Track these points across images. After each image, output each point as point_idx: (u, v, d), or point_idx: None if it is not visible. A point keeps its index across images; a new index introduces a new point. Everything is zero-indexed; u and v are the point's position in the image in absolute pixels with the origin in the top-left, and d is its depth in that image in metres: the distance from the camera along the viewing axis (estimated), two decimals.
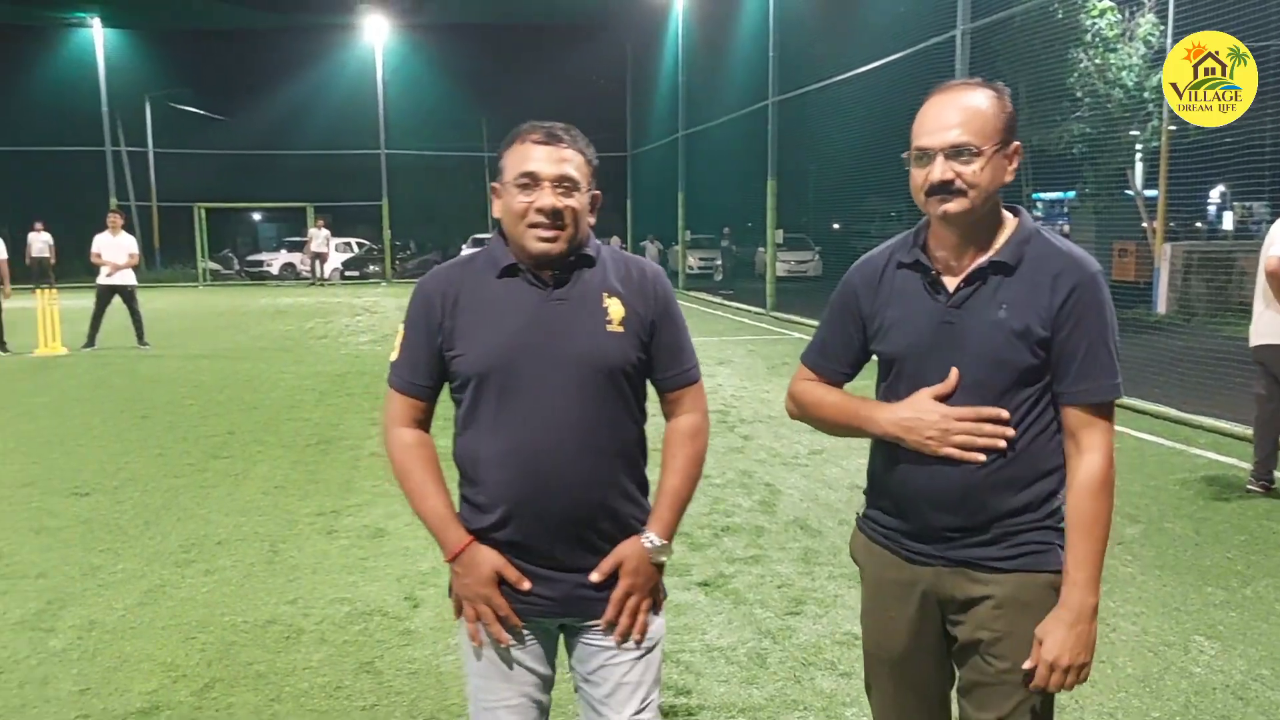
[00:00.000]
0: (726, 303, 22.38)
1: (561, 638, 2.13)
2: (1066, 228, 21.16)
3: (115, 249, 13.79)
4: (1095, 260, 1.92)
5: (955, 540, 1.94)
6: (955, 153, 1.87)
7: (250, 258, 36.13)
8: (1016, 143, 1.93)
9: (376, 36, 32.84)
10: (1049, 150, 16.00)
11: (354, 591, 4.57)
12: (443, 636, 4.04)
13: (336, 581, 4.70)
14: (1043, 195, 24.20)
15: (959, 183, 1.87)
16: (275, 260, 34.65)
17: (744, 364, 12.33)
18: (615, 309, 2.02)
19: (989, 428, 1.87)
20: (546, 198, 1.95)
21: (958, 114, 1.88)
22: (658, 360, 2.10)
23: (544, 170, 1.96)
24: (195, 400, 9.76)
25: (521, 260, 2.02)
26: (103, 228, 14.07)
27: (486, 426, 1.99)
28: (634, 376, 2.06)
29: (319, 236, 30.81)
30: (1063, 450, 1.93)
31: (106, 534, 5.45)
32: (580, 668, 2.10)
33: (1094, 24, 14.30)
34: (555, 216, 1.95)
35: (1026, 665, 1.89)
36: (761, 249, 23.05)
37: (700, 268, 29.86)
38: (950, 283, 1.95)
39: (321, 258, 31.31)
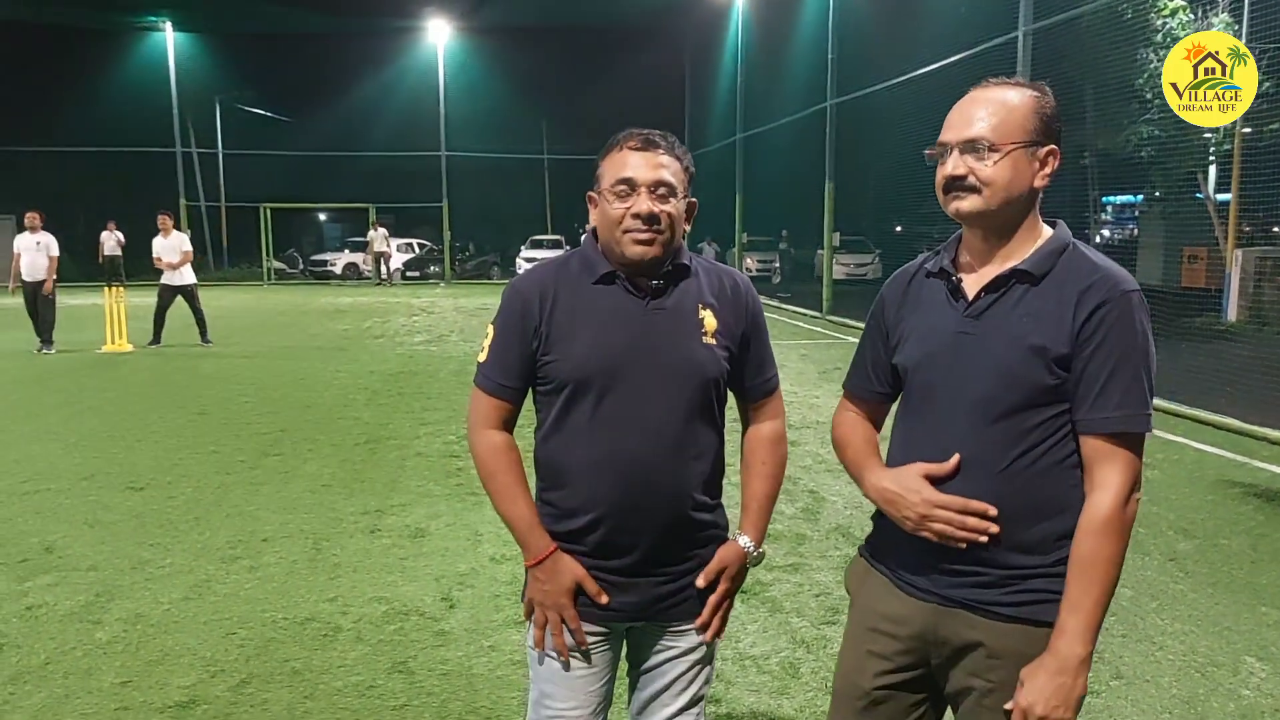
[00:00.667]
0: (783, 306, 22.26)
1: (628, 637, 2.17)
2: (1136, 232, 20.70)
3: (169, 250, 14.14)
4: (1133, 280, 1.76)
5: (955, 577, 1.82)
6: (970, 147, 1.79)
7: (314, 257, 36.81)
8: (1051, 146, 1.81)
9: (438, 39, 33.24)
10: (1116, 153, 15.66)
11: (392, 591, 4.60)
12: (476, 638, 4.06)
13: (376, 580, 4.75)
14: (1112, 199, 23.67)
15: (971, 179, 1.79)
16: (339, 260, 35.25)
17: (795, 368, 12.24)
18: (710, 321, 2.06)
19: (972, 521, 1.77)
20: (643, 203, 1.96)
21: (982, 110, 1.80)
22: (745, 370, 2.14)
23: (641, 175, 1.97)
24: (251, 398, 9.94)
25: (618, 268, 2.03)
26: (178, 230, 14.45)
27: (581, 431, 2.01)
28: (722, 388, 2.10)
29: (378, 236, 31.27)
30: (1083, 488, 1.77)
31: (157, 528, 5.56)
32: (643, 663, 2.14)
33: (1165, 24, 13.93)
34: (652, 221, 1.96)
35: (1006, 706, 1.77)
36: (820, 251, 22.87)
37: (759, 270, 29.70)
38: (972, 291, 1.86)
39: (385, 257, 31.77)
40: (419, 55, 33.76)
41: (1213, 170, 15.44)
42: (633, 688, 2.19)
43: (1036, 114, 1.79)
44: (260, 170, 35.57)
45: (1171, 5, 13.98)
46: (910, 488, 1.82)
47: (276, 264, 34.80)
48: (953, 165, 1.81)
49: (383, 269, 31.79)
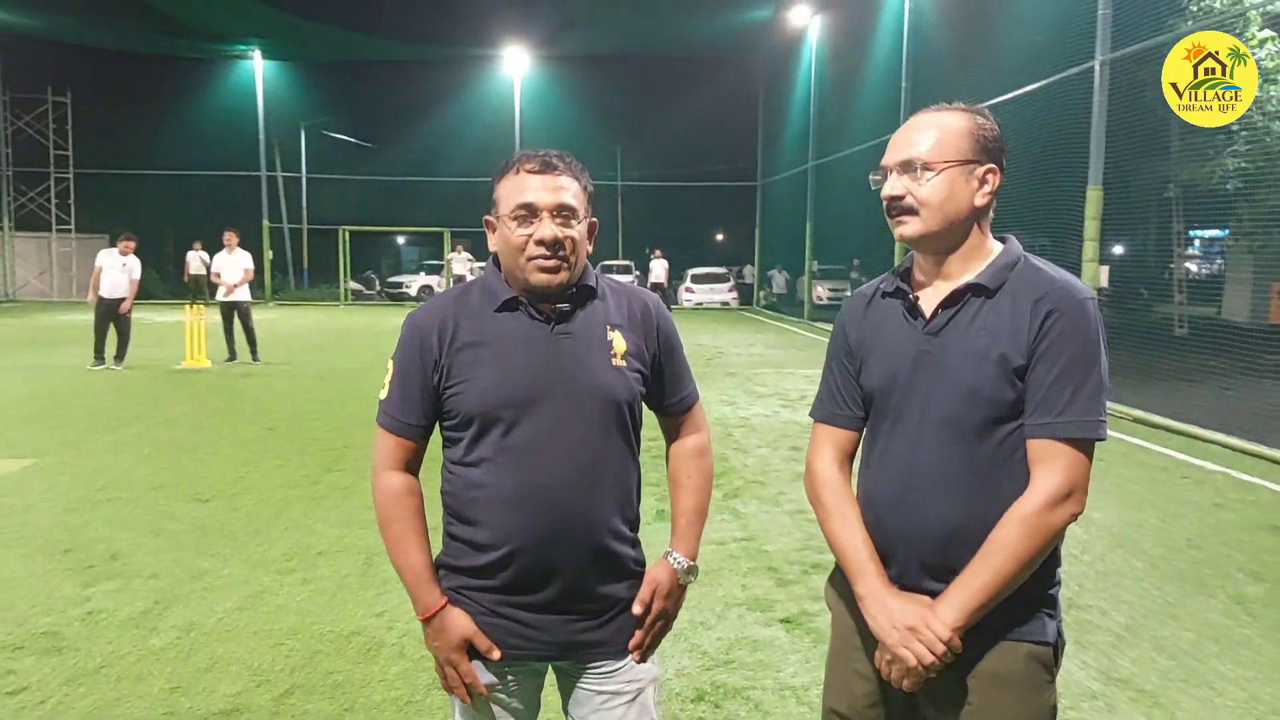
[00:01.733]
0: None
1: (555, 678, 2.10)
2: (1222, 266, 20.07)
3: (232, 267, 14.57)
4: (1088, 289, 1.78)
5: (933, 592, 1.80)
6: (906, 167, 1.81)
7: (391, 279, 37.55)
8: (990, 165, 1.82)
9: (516, 67, 33.78)
10: (1201, 186, 15.24)
11: None
12: None
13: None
14: (1199, 233, 23.03)
15: (909, 199, 1.81)
16: (414, 282, 35.89)
17: None
18: (619, 343, 1.99)
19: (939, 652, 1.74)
20: (546, 228, 1.90)
21: (918, 134, 1.83)
22: (662, 390, 2.09)
23: (541, 200, 1.91)
24: (319, 415, 10.15)
25: (521, 293, 1.97)
26: (244, 249, 14.86)
27: (489, 465, 1.92)
28: (635, 410, 2.03)
29: (459, 260, 31.78)
30: None
31: (218, 539, 5.70)
32: (574, 711, 2.07)
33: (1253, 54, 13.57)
34: (556, 247, 1.90)
35: None
36: None
37: (829, 299, 29.50)
38: (928, 308, 1.86)
39: (461, 281, 32.24)
40: (496, 83, 34.35)
41: None
42: None
43: (971, 135, 1.82)
44: (341, 194, 36.47)
45: (1260, 36, 13.62)
46: (896, 623, 1.78)
47: (354, 285, 35.57)
48: (890, 186, 1.84)
49: None
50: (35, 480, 7.07)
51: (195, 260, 25.00)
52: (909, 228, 1.83)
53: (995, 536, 1.73)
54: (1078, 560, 5.49)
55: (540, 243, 1.90)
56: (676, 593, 2.06)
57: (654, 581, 2.03)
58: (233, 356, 14.62)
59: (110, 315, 13.94)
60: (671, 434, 2.16)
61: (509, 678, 2.01)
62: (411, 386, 1.98)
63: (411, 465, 2.04)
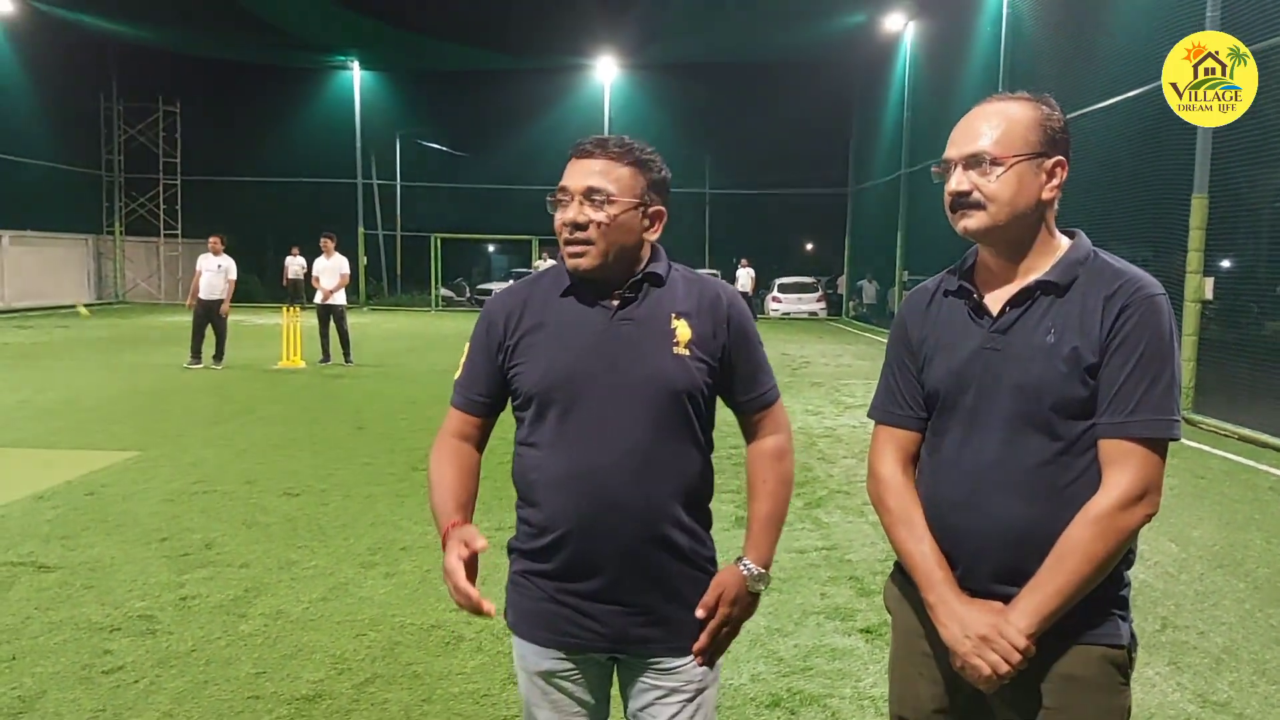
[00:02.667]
0: None
1: (618, 670, 2.06)
2: None
3: (329, 271, 14.89)
4: (1158, 284, 1.70)
5: (999, 595, 1.75)
6: (973, 161, 1.75)
7: (480, 286, 38.13)
8: (1058, 158, 1.76)
9: (606, 76, 34.04)
10: None
11: None
12: None
13: (502, 595, 4.81)
14: None
15: (976, 194, 1.74)
16: (502, 289, 36.40)
17: None
18: (683, 331, 1.94)
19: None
20: (570, 211, 1.90)
21: (984, 124, 1.76)
22: (735, 384, 2.03)
23: (572, 183, 1.91)
24: (408, 416, 10.34)
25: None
26: (339, 253, 15.25)
27: (546, 447, 1.93)
28: (700, 402, 1.97)
29: (546, 267, 32.10)
30: None
31: (307, 532, 5.84)
32: (631, 703, 2.04)
33: None
34: (577, 229, 1.89)
35: None
36: None
37: None
38: (995, 306, 1.79)
39: None
40: (586, 92, 34.67)
41: None
42: None
43: (1040, 126, 1.75)
44: (433, 202, 37.16)
45: None
46: (969, 630, 1.73)
47: (444, 291, 36.19)
48: (956, 181, 1.77)
49: None
50: (136, 472, 7.33)
51: (294, 265, 25.76)
52: (973, 221, 1.77)
53: (1067, 539, 1.67)
54: (1175, 579, 5.29)
55: (565, 224, 1.91)
56: (745, 600, 1.99)
57: (720, 586, 1.98)
58: (326, 358, 14.99)
59: (207, 316, 14.41)
60: (749, 433, 2.09)
61: (572, 668, 1.99)
62: (477, 365, 2.03)
63: (471, 438, 2.07)
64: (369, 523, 6.07)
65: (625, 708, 2.07)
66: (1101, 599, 1.72)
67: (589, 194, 1.89)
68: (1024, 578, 1.71)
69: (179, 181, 34.68)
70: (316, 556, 5.38)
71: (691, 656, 1.98)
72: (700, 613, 1.95)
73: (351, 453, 8.25)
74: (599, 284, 1.95)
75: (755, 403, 2.06)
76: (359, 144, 34.78)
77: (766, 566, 2.01)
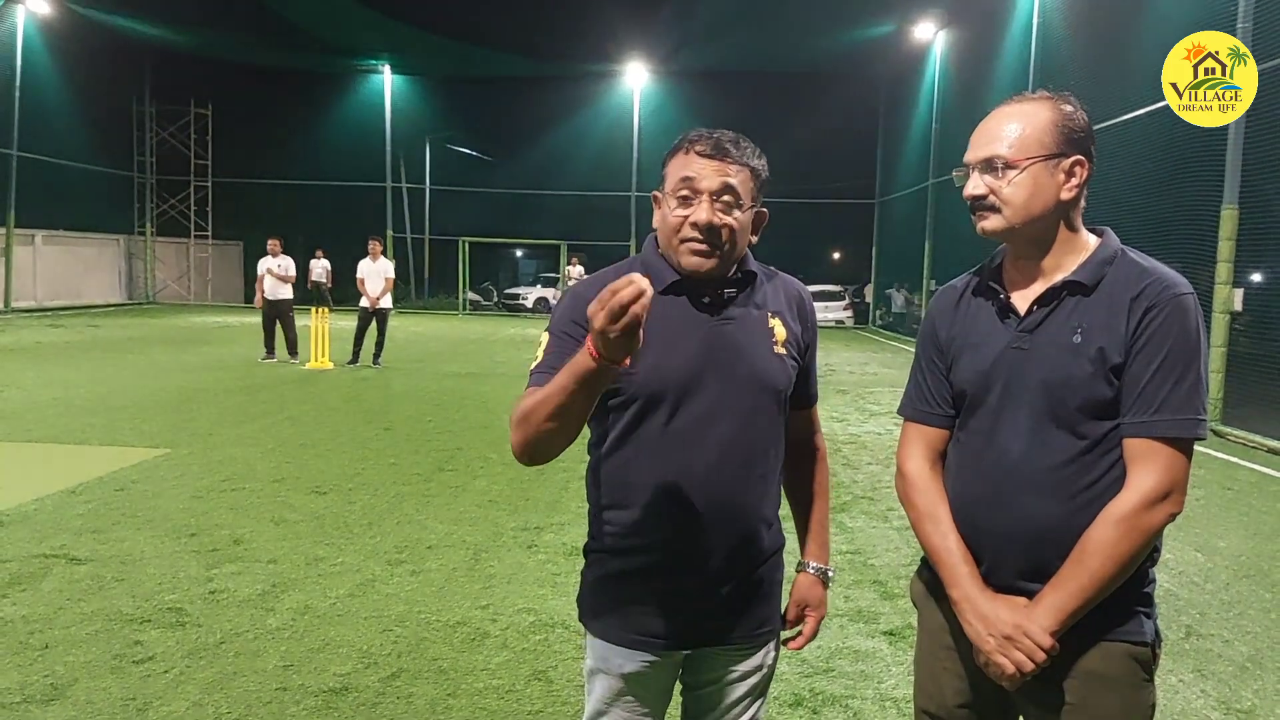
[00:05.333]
0: None
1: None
2: None
3: (375, 274, 15.03)
4: (1186, 284, 1.71)
5: (1023, 591, 1.77)
6: (988, 166, 1.78)
7: (508, 290, 38.30)
8: (1077, 157, 1.76)
9: (635, 83, 34.13)
10: None
11: (542, 604, 4.72)
12: None
13: (528, 593, 4.87)
14: None
15: (991, 198, 1.77)
16: (530, 294, 36.58)
17: None
18: (780, 330, 1.97)
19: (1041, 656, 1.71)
20: (703, 212, 1.83)
21: (999, 127, 1.78)
22: (799, 379, 2.05)
23: (704, 183, 1.84)
24: (434, 416, 10.41)
25: (683, 276, 1.92)
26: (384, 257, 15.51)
27: (649, 447, 1.90)
28: (787, 399, 2.01)
29: (575, 274, 32.24)
30: None
31: (334, 530, 5.90)
32: (692, 678, 2.06)
33: None
34: (710, 233, 1.84)
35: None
36: None
37: None
38: (1022, 306, 1.81)
39: None
40: (616, 98, 34.76)
41: None
42: (686, 710, 2.11)
43: (1056, 126, 1.76)
44: (462, 206, 37.30)
45: None
46: (996, 625, 1.76)
47: (472, 295, 36.36)
48: (972, 185, 1.80)
49: None
50: (167, 469, 7.43)
51: (318, 268, 25.97)
52: (991, 223, 1.80)
53: (1091, 537, 1.69)
54: (1200, 589, 5.26)
55: (695, 225, 1.85)
56: (823, 598, 2.14)
57: (802, 600, 2.12)
58: (355, 360, 15.10)
59: (273, 315, 15.48)
60: (797, 429, 2.11)
61: (652, 669, 1.98)
62: (566, 354, 1.75)
63: None
64: (395, 521, 6.13)
65: (684, 691, 2.10)
66: (1126, 596, 1.74)
67: (721, 194, 1.85)
68: (1048, 574, 1.73)
69: (210, 184, 35.04)
70: (343, 553, 5.44)
71: (768, 646, 2.06)
72: (795, 645, 2.12)
73: (378, 452, 8.33)
74: (701, 282, 1.92)
75: (810, 399, 2.13)
76: (389, 148, 35.07)
77: (828, 564, 2.15)
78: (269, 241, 15.61)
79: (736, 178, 1.86)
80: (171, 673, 3.83)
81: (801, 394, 2.08)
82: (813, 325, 2.07)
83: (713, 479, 1.88)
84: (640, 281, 1.50)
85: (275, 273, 15.30)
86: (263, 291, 15.43)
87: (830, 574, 2.15)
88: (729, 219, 1.86)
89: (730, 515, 1.91)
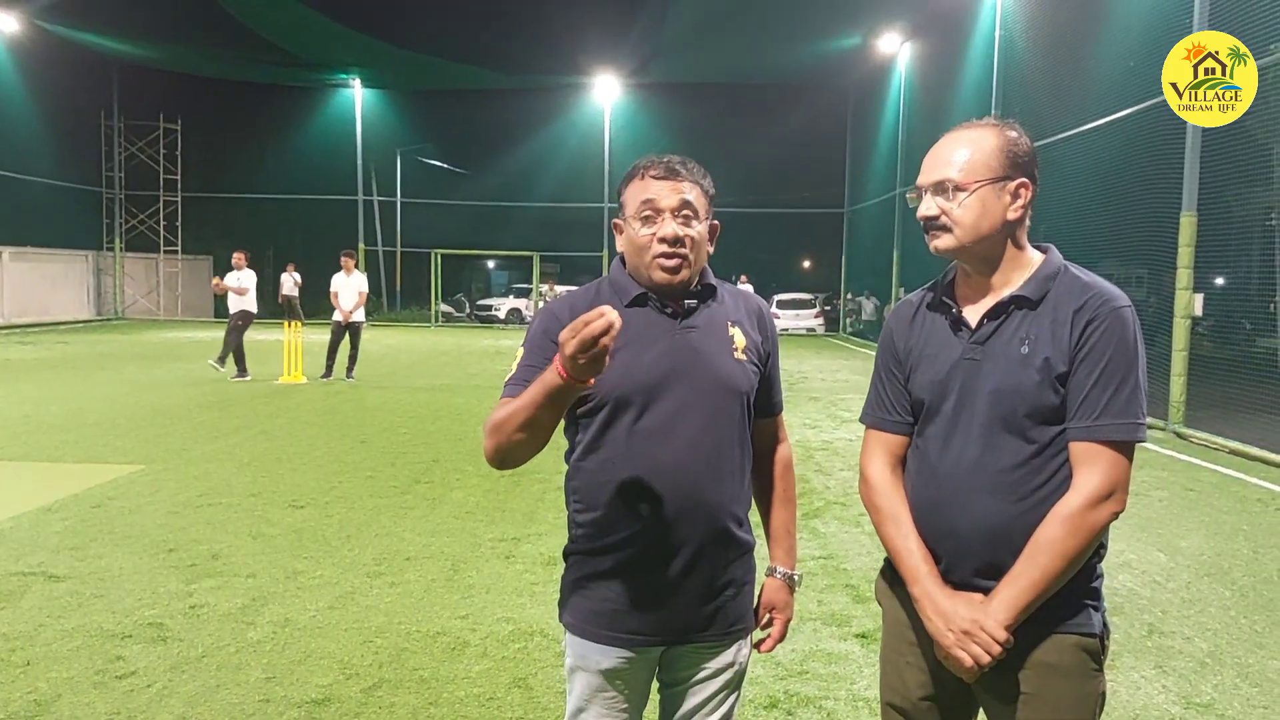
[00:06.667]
0: None
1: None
2: None
3: (349, 288, 15.04)
4: (1124, 297, 1.84)
5: (980, 588, 1.88)
6: (939, 189, 1.90)
7: (480, 302, 38.33)
8: (1022, 179, 1.89)
9: (606, 95, 34.28)
10: None
11: (520, 613, 4.79)
12: None
13: (506, 602, 4.94)
14: None
15: (944, 218, 1.89)
16: (503, 305, 36.67)
17: None
18: (740, 338, 2.10)
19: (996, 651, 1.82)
20: (668, 226, 2.00)
21: (949, 153, 1.90)
22: (760, 390, 2.17)
23: (664, 200, 2.02)
24: (409, 429, 10.45)
25: (648, 290, 2.07)
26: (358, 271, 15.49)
27: (619, 448, 2.01)
28: (750, 404, 2.13)
29: (551, 294, 32.32)
30: None
31: (312, 543, 5.94)
32: (668, 675, 2.15)
33: None
34: (677, 244, 2.01)
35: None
36: None
37: None
38: (974, 319, 1.94)
39: None
40: (586, 110, 34.90)
41: None
42: (663, 709, 2.20)
43: (1002, 151, 1.88)
44: (433, 218, 37.33)
45: None
46: (955, 622, 1.85)
47: (444, 307, 36.36)
48: (925, 207, 1.93)
49: None
50: (143, 485, 7.44)
51: (288, 282, 25.88)
52: (943, 242, 1.92)
53: (1041, 535, 1.80)
54: (1162, 588, 5.40)
55: (663, 240, 2.01)
56: (791, 604, 2.24)
57: (770, 604, 2.23)
58: (329, 374, 15.09)
59: (230, 327, 15.32)
60: (761, 438, 2.23)
61: (629, 665, 2.07)
62: (538, 368, 1.89)
63: None
64: (373, 534, 6.18)
65: (661, 689, 2.19)
66: (1075, 591, 1.85)
67: (681, 209, 2.03)
68: (1002, 571, 1.84)
69: (179, 198, 34.84)
70: (321, 567, 5.48)
71: (740, 643, 2.15)
72: (759, 631, 2.22)
73: (354, 466, 8.36)
74: (664, 295, 2.07)
75: (775, 408, 2.25)
76: (360, 161, 35.04)
77: (794, 569, 2.25)
78: (234, 255, 15.65)
79: (691, 193, 2.04)
80: (154, 687, 3.87)
81: (765, 403, 2.21)
82: (773, 336, 2.21)
83: (681, 474, 2.00)
84: (610, 314, 1.65)
85: (229, 285, 15.30)
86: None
87: (796, 579, 2.25)
88: (690, 231, 2.03)
89: (699, 509, 2.01)
